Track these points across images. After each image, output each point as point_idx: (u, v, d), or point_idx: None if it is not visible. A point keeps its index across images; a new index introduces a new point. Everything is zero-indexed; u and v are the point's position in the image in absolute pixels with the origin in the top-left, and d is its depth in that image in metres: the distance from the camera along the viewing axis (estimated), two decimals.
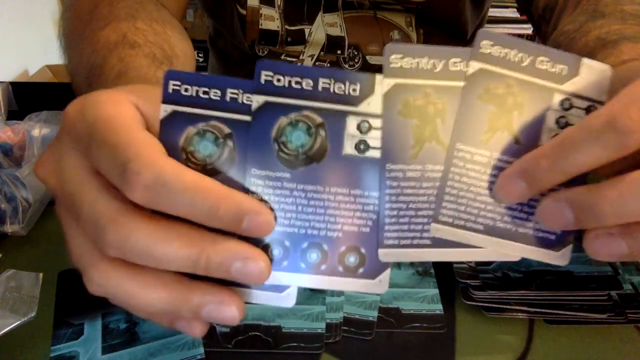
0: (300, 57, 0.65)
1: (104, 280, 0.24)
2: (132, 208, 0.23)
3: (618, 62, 0.33)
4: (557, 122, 0.25)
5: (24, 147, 0.50)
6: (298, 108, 0.24)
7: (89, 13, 0.44)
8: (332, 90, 0.24)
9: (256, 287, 0.25)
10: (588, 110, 0.25)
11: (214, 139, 0.24)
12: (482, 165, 0.25)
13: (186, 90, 0.24)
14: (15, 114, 0.56)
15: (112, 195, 0.23)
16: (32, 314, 0.37)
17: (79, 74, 0.41)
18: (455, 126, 0.25)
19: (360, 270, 0.25)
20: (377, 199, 0.25)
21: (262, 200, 0.25)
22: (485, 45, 0.25)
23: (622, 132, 0.21)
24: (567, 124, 0.25)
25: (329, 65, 0.64)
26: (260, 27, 0.63)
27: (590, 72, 0.25)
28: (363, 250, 0.25)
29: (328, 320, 0.37)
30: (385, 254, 0.25)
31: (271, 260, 0.25)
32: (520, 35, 1.88)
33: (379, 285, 0.25)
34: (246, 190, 0.24)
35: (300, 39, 0.63)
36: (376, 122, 0.25)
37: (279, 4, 0.62)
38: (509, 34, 0.26)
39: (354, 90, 0.25)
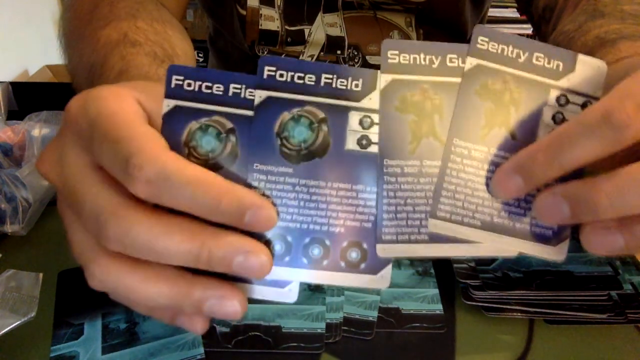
0: (300, 58, 0.65)
1: (105, 274, 0.24)
2: (134, 202, 0.23)
3: (616, 60, 0.34)
4: (554, 117, 0.25)
5: (24, 147, 0.50)
6: (300, 103, 0.25)
7: (89, 13, 0.45)
8: (334, 85, 0.25)
9: (258, 282, 0.25)
10: (584, 105, 0.25)
11: (216, 133, 0.24)
12: (480, 160, 0.25)
13: (189, 85, 0.24)
14: (15, 114, 0.56)
15: (113, 189, 0.23)
16: (32, 314, 0.37)
17: (79, 73, 0.41)
18: (453, 122, 0.25)
19: (362, 265, 0.25)
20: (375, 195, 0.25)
21: (264, 195, 0.25)
22: (482, 42, 0.25)
23: (618, 127, 0.21)
24: (563, 120, 0.25)
25: None
26: (260, 27, 0.63)
27: (586, 68, 0.25)
28: (365, 246, 0.25)
29: (328, 320, 0.37)
30: (383, 250, 0.25)
31: (273, 255, 0.25)
32: (520, 35, 1.88)
33: (381, 281, 0.25)
34: (248, 185, 0.24)
35: (300, 39, 0.63)
36: (378, 118, 0.25)
37: (278, 4, 0.62)
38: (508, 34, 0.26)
39: (356, 85, 0.25)
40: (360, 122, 0.25)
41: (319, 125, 0.25)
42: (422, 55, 0.25)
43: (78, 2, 0.47)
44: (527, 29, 1.87)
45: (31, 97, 0.77)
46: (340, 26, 0.63)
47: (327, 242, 0.25)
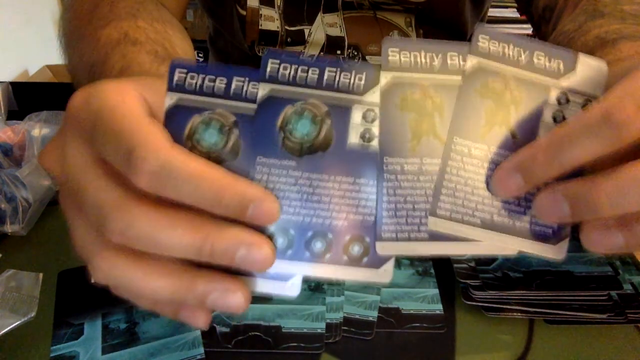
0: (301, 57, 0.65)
1: (108, 268, 0.24)
2: (136, 195, 0.23)
3: (616, 60, 0.34)
4: (554, 117, 0.25)
5: (24, 147, 0.50)
6: (304, 97, 0.25)
7: (89, 13, 0.45)
8: (337, 80, 0.25)
9: (260, 276, 0.25)
10: (584, 105, 0.25)
11: (219, 127, 0.24)
12: (480, 159, 0.25)
13: (192, 79, 0.24)
14: (15, 114, 0.56)
15: (116, 182, 0.23)
16: (32, 314, 0.37)
17: (79, 72, 0.41)
18: (453, 120, 0.25)
19: (365, 259, 0.25)
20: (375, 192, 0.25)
21: (266, 188, 0.25)
22: (482, 41, 0.25)
23: (617, 126, 0.21)
24: (563, 119, 0.25)
25: None
26: (260, 27, 0.63)
27: (587, 68, 0.25)
28: (367, 240, 0.25)
29: (328, 320, 0.37)
30: (383, 248, 0.25)
31: (275, 249, 0.25)
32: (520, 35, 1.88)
33: (383, 275, 0.25)
34: (251, 179, 0.24)
35: (300, 39, 0.63)
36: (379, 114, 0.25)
37: (278, 4, 0.62)
38: (509, 34, 0.26)
39: (360, 79, 0.25)
40: (364, 116, 0.25)
41: (322, 119, 0.25)
42: (422, 54, 0.25)
43: (78, 2, 0.47)
44: (527, 29, 1.87)
45: (31, 97, 0.77)
46: (340, 26, 0.63)
47: (330, 236, 0.25)
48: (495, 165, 0.25)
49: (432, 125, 0.25)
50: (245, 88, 0.24)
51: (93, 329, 0.36)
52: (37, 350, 0.35)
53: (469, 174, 0.25)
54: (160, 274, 0.24)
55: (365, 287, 0.39)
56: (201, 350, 0.34)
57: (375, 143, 0.25)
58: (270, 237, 0.25)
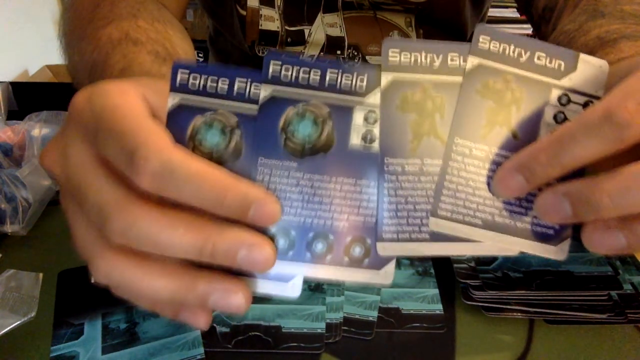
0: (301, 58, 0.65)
1: (109, 268, 0.24)
2: (138, 195, 0.23)
3: (617, 60, 0.34)
4: (555, 117, 0.25)
5: (24, 147, 0.50)
6: (305, 99, 0.25)
7: (90, 12, 0.45)
8: (339, 81, 0.25)
9: (261, 277, 0.25)
10: (585, 105, 0.25)
11: (221, 128, 0.24)
12: (481, 159, 0.25)
13: (194, 79, 0.24)
14: (15, 114, 0.56)
15: (117, 182, 0.23)
16: (32, 314, 0.37)
17: (80, 72, 0.41)
18: (454, 121, 0.25)
19: (366, 261, 0.25)
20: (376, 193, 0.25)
21: (268, 189, 0.25)
22: (483, 41, 0.25)
23: (619, 125, 0.21)
24: (565, 119, 0.25)
25: None
26: (260, 27, 0.63)
27: (588, 68, 0.25)
28: (368, 241, 0.25)
29: (328, 320, 0.37)
30: (384, 248, 0.25)
31: (276, 250, 0.25)
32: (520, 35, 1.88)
33: (384, 276, 0.25)
34: (253, 180, 0.25)
35: (300, 39, 0.63)
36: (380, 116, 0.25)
37: (278, 4, 0.62)
38: (510, 34, 0.26)
39: (361, 81, 0.25)
40: (365, 118, 0.25)
41: (324, 121, 0.25)
42: (423, 54, 0.25)
43: (78, 1, 0.47)
44: (527, 29, 1.87)
45: (31, 97, 0.77)
46: (340, 26, 0.63)
47: (331, 237, 0.25)
48: (496, 165, 0.25)
49: (433, 125, 0.25)
50: (247, 89, 0.25)
51: (93, 329, 0.36)
52: (37, 350, 0.35)
53: (470, 175, 0.25)
54: (161, 274, 0.24)
55: (365, 287, 0.39)
56: (201, 350, 0.34)
57: (376, 145, 0.25)
58: (272, 238, 0.25)
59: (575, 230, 0.25)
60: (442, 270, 0.41)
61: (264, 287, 0.25)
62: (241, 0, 0.62)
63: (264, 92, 0.24)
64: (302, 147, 0.25)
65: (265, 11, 0.62)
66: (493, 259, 0.41)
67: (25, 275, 0.40)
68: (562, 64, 0.25)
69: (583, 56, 0.25)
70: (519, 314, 0.37)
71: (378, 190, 0.25)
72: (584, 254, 0.42)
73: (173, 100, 0.24)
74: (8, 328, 0.36)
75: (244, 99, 0.25)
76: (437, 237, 0.25)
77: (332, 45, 0.64)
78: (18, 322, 0.36)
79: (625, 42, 0.36)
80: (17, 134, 0.51)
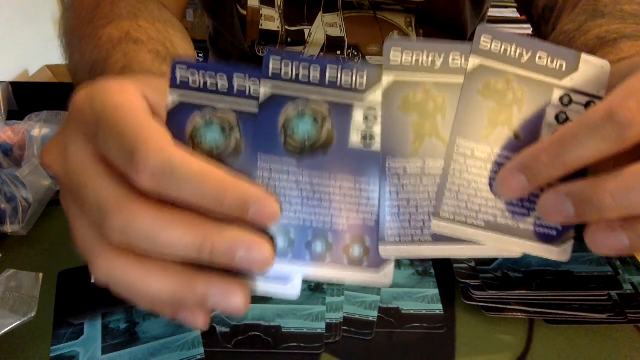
0: None
1: (110, 269, 0.24)
2: (137, 194, 0.23)
3: (617, 60, 0.34)
4: (557, 117, 0.25)
5: (24, 147, 0.50)
6: (305, 98, 0.25)
7: (90, 12, 0.45)
8: (339, 81, 0.25)
9: (261, 277, 0.25)
10: (587, 105, 0.25)
11: (220, 128, 0.24)
12: (483, 160, 0.25)
13: (194, 77, 0.24)
14: (15, 114, 0.56)
15: (117, 181, 0.23)
16: (32, 314, 0.37)
17: (80, 71, 0.41)
18: (455, 122, 0.25)
19: (365, 261, 0.25)
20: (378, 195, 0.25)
21: (268, 189, 0.25)
22: (484, 41, 0.25)
23: (621, 125, 0.21)
24: (566, 120, 0.25)
25: None
26: (260, 27, 0.63)
27: (589, 68, 0.25)
28: (368, 242, 0.25)
29: (328, 320, 0.37)
30: (386, 250, 0.25)
31: (276, 250, 0.25)
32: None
33: (384, 277, 0.25)
34: (252, 180, 0.24)
35: (300, 39, 0.63)
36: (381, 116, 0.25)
37: (279, 4, 0.62)
38: (511, 33, 0.26)
39: (361, 78, 0.25)
40: (365, 116, 0.25)
41: (324, 119, 0.25)
42: (424, 55, 0.25)
43: (79, 1, 0.47)
44: (527, 29, 1.87)
45: (31, 97, 0.77)
46: (340, 26, 0.63)
47: (330, 238, 0.25)
48: (498, 166, 0.25)
49: (435, 126, 0.25)
50: (247, 86, 0.24)
51: (93, 329, 0.36)
52: (37, 350, 0.35)
53: (472, 176, 0.25)
54: (161, 275, 0.24)
55: (365, 287, 0.39)
56: (201, 350, 0.34)
57: (376, 144, 0.25)
58: (271, 238, 0.25)
59: (576, 230, 0.25)
60: (442, 270, 0.41)
61: (263, 288, 0.25)
62: (242, 0, 0.62)
63: (264, 89, 0.24)
64: (301, 145, 0.25)
65: (266, 11, 0.62)
66: (493, 259, 0.41)
67: (25, 275, 0.40)
68: (564, 64, 0.25)
69: (585, 56, 0.25)
70: (519, 314, 0.37)
71: (380, 191, 0.25)
72: (584, 254, 0.42)
73: (172, 97, 0.24)
74: (8, 328, 0.36)
75: (243, 96, 0.25)
76: (439, 239, 0.25)
77: (332, 45, 0.64)
78: (18, 322, 0.36)
79: (626, 42, 0.36)
80: (17, 134, 0.51)
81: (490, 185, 0.25)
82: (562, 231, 0.25)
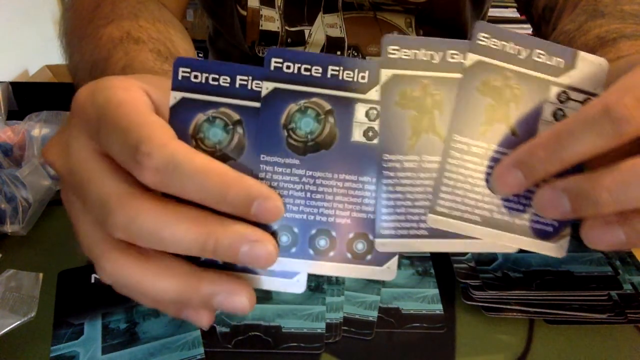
0: None
1: (115, 268, 0.24)
2: (140, 190, 0.23)
3: (616, 59, 0.34)
4: (554, 114, 0.25)
5: (24, 147, 0.50)
6: (307, 95, 0.25)
7: (90, 12, 0.45)
8: (340, 77, 0.25)
9: (266, 273, 0.25)
10: (584, 102, 0.25)
11: (223, 125, 0.24)
12: (480, 156, 0.25)
13: (196, 77, 0.24)
14: (15, 114, 0.56)
15: (120, 177, 0.23)
16: (32, 314, 0.37)
17: (81, 71, 0.41)
18: (453, 118, 0.25)
19: (369, 257, 0.25)
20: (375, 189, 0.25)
21: (270, 186, 0.25)
22: (482, 38, 0.25)
23: (617, 120, 0.21)
24: (564, 117, 0.25)
25: None
26: (260, 28, 0.63)
27: (587, 65, 0.25)
28: (371, 237, 0.25)
29: (328, 320, 0.37)
30: (383, 244, 0.25)
31: (279, 246, 0.25)
32: None
33: (387, 272, 0.26)
34: (255, 177, 0.25)
35: (300, 39, 0.63)
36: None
37: (279, 4, 0.62)
38: (509, 31, 0.26)
39: (363, 77, 0.25)
40: (367, 114, 0.25)
41: (326, 117, 0.25)
42: (422, 51, 0.25)
43: (79, 1, 0.48)
44: (527, 29, 1.87)
45: (31, 97, 0.77)
46: (340, 27, 0.63)
47: (333, 234, 0.25)
48: (495, 162, 0.25)
49: (432, 122, 0.25)
50: (249, 85, 0.25)
51: (93, 329, 0.36)
52: (37, 350, 0.35)
53: (468, 172, 0.25)
54: (167, 275, 0.24)
55: (366, 287, 0.39)
56: (201, 350, 0.34)
57: (378, 141, 0.25)
58: (275, 235, 0.25)
59: (575, 229, 0.25)
60: (442, 270, 0.41)
61: (269, 283, 0.25)
62: (242, 0, 0.62)
63: (265, 88, 0.25)
64: (304, 143, 0.25)
65: (266, 11, 0.62)
66: (493, 259, 0.41)
67: (25, 275, 0.40)
68: (561, 61, 0.25)
69: (582, 54, 0.25)
70: (519, 314, 0.37)
71: (377, 186, 0.25)
72: (584, 254, 0.42)
73: (175, 97, 0.25)
74: (8, 328, 0.36)
75: (245, 96, 0.25)
76: (435, 233, 0.25)
77: (332, 45, 0.64)
78: (18, 322, 0.36)
79: (625, 41, 0.36)
80: (17, 134, 0.51)
81: (487, 181, 0.25)
82: (558, 227, 0.25)
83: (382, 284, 0.40)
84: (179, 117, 0.24)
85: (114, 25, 0.41)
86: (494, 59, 0.25)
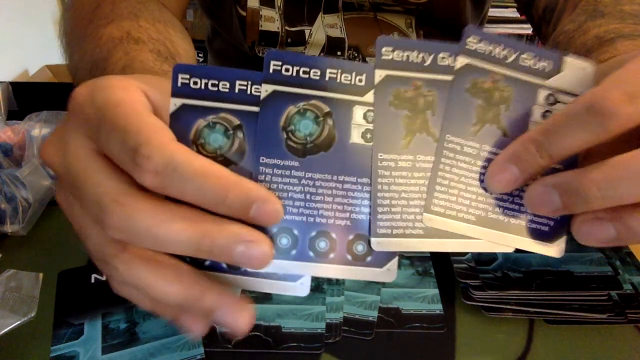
0: None
1: (129, 269, 0.24)
2: (136, 190, 0.23)
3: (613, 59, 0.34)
4: (544, 116, 0.26)
5: (24, 147, 0.50)
6: (306, 97, 0.25)
7: (90, 12, 0.45)
8: (339, 80, 0.25)
9: (270, 276, 0.25)
10: None
11: (223, 130, 0.25)
12: (472, 156, 0.26)
13: (195, 83, 0.24)
14: (15, 114, 0.56)
15: (116, 177, 0.23)
16: (32, 314, 0.37)
17: (81, 71, 0.41)
18: (445, 118, 0.26)
19: (369, 258, 0.26)
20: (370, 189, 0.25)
21: (270, 189, 0.25)
22: (471, 42, 0.26)
23: (603, 115, 0.21)
24: None
25: None
26: (260, 28, 0.63)
27: (573, 69, 0.26)
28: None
29: (328, 320, 0.37)
30: (378, 243, 0.25)
31: (280, 249, 0.25)
32: (520, 36, 1.88)
33: (388, 274, 0.26)
34: (255, 179, 0.25)
35: (300, 40, 0.63)
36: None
37: (279, 5, 0.62)
38: (509, 34, 0.26)
39: (360, 80, 0.25)
40: (364, 116, 0.25)
41: (324, 119, 0.25)
42: (415, 53, 0.25)
43: (79, 1, 0.48)
44: (527, 29, 1.87)
45: (31, 97, 0.77)
46: (341, 27, 0.63)
47: (333, 235, 0.25)
48: (487, 162, 0.26)
49: (425, 122, 0.26)
50: (248, 90, 0.25)
51: (93, 329, 0.36)
52: (37, 350, 0.35)
53: (462, 171, 0.26)
54: (176, 279, 0.24)
55: (365, 287, 0.39)
56: (201, 350, 0.34)
57: (373, 139, 0.25)
58: (274, 237, 0.25)
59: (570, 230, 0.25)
60: (442, 270, 0.41)
61: (272, 286, 0.26)
62: (241, 0, 0.62)
63: (264, 91, 0.25)
64: (303, 146, 0.25)
65: (266, 12, 0.62)
66: (493, 259, 0.41)
67: (25, 275, 0.40)
68: (548, 65, 0.26)
69: (568, 58, 0.26)
70: (519, 314, 0.37)
71: (372, 185, 0.25)
72: (584, 254, 0.42)
73: (175, 104, 0.25)
74: (8, 328, 0.36)
75: (245, 101, 0.25)
76: (431, 233, 0.26)
77: (333, 46, 0.64)
78: (18, 322, 0.36)
79: (623, 41, 0.36)
80: (17, 134, 0.51)
81: (481, 180, 0.26)
82: (554, 227, 0.26)
83: (382, 284, 0.40)
84: (180, 123, 0.24)
85: (114, 25, 0.41)
86: (482, 62, 0.26)
